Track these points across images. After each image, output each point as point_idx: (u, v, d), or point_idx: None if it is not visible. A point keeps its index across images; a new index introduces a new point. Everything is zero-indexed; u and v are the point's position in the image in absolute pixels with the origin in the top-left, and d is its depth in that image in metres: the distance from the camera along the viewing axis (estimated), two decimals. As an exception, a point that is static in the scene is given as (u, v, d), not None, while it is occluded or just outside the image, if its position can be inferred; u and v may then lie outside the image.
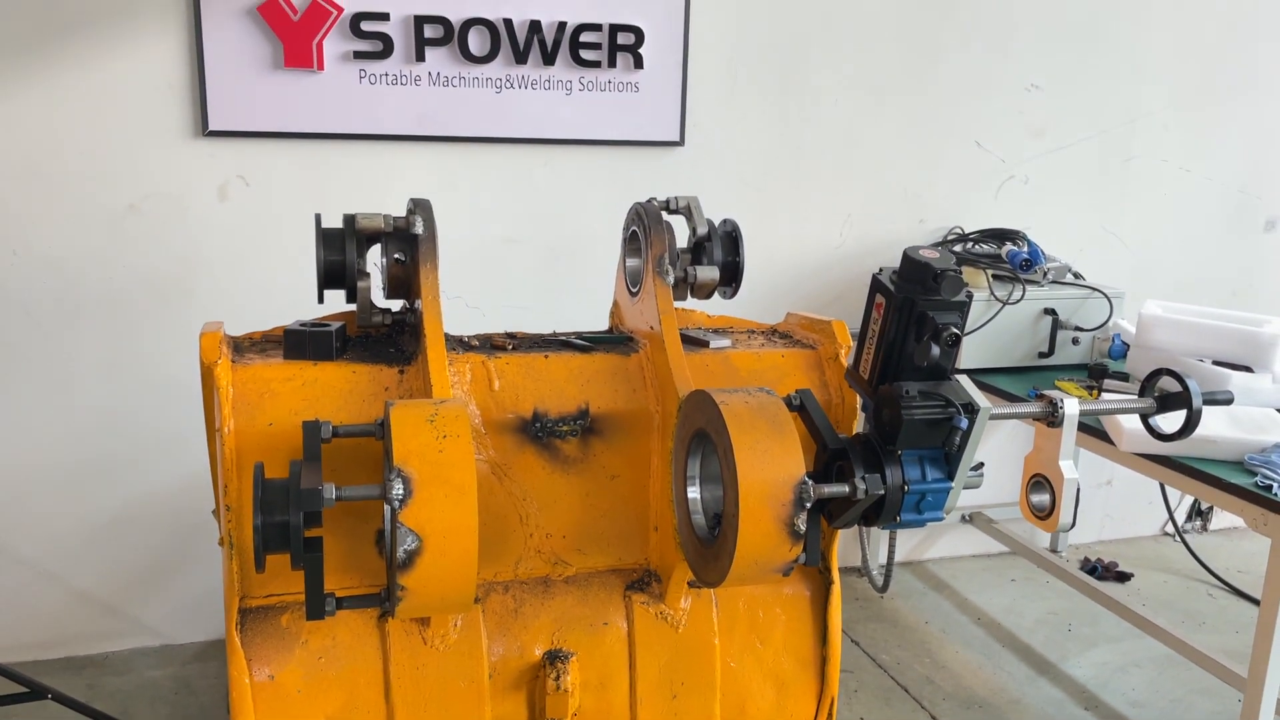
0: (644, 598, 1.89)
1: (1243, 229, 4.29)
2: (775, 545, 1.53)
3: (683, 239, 2.05)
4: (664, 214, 2.03)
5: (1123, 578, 4.06)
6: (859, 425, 2.05)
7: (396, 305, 1.95)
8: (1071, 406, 1.69)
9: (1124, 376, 3.08)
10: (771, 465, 1.52)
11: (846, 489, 1.58)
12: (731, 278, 2.04)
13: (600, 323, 2.23)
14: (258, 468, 1.45)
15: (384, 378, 1.77)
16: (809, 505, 1.53)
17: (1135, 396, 1.79)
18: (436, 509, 1.38)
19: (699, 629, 1.91)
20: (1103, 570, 4.08)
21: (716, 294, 2.07)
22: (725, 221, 2.08)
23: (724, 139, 3.46)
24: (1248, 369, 2.85)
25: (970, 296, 1.66)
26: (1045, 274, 3.33)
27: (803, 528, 1.53)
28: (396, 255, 1.84)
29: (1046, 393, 1.72)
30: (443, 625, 1.74)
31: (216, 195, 3.02)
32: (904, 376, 1.66)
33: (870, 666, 3.30)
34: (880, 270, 1.71)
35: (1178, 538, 4.24)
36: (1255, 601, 3.87)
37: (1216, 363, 2.89)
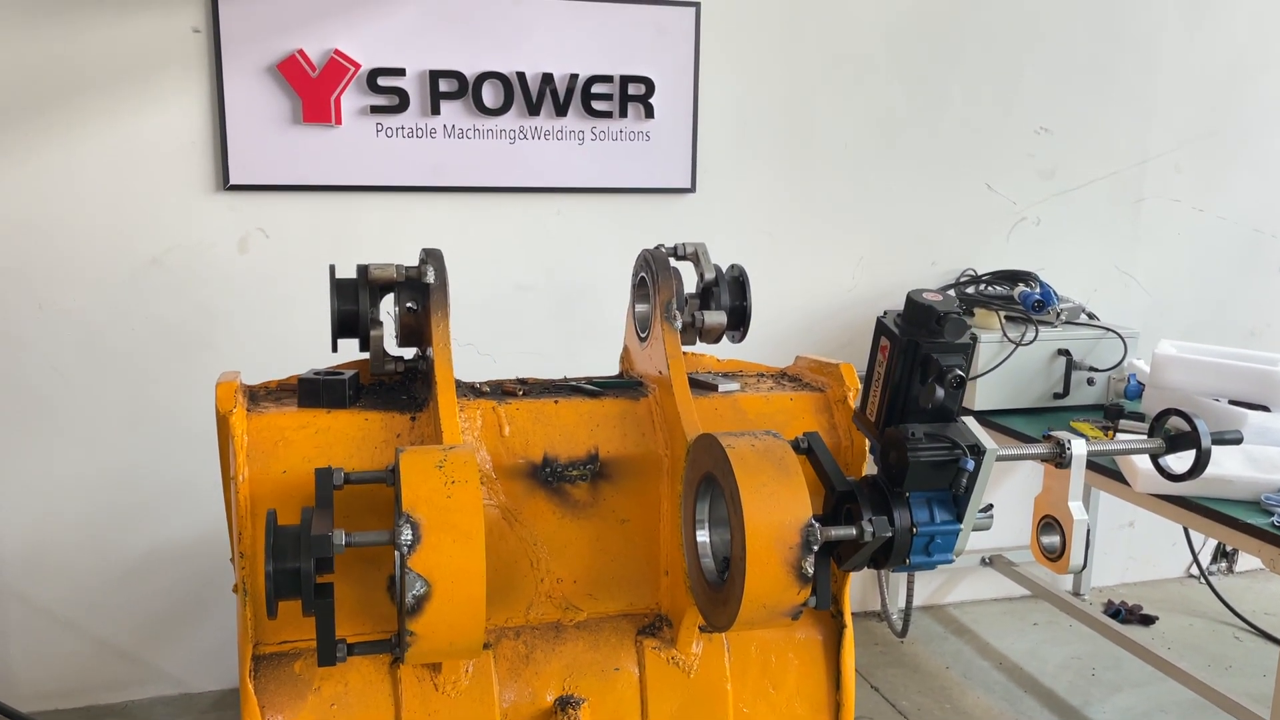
0: (655, 643, 1.88)
1: (1258, 268, 4.28)
2: (783, 589, 1.53)
3: (691, 284, 2.08)
4: (672, 260, 2.06)
5: (1147, 621, 4.00)
6: (868, 468, 2.06)
7: (410, 353, 1.99)
8: (1079, 447, 1.69)
9: (1140, 417, 3.07)
10: (778, 508, 1.53)
11: (854, 531, 1.58)
12: (739, 322, 2.06)
13: (614, 367, 2.25)
14: (270, 514, 1.47)
15: (396, 425, 1.80)
16: (816, 548, 1.54)
17: (1143, 439, 1.78)
18: (444, 554, 1.39)
19: (711, 674, 1.90)
20: (1126, 613, 4.03)
21: (725, 338, 2.10)
22: (733, 266, 2.10)
23: (735, 185, 3.51)
24: (1264, 408, 2.83)
25: (975, 339, 1.68)
26: (1058, 315, 3.33)
27: (810, 570, 1.54)
28: (409, 304, 1.87)
29: (1054, 433, 1.72)
30: (454, 671, 1.75)
31: (237, 247, 3.08)
32: (910, 418, 1.67)
33: (890, 713, 3.26)
34: (885, 314, 1.73)
35: (1203, 580, 4.18)
36: (1283, 644, 3.81)
37: (1233, 402, 2.87)
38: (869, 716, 3.22)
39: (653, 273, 2.00)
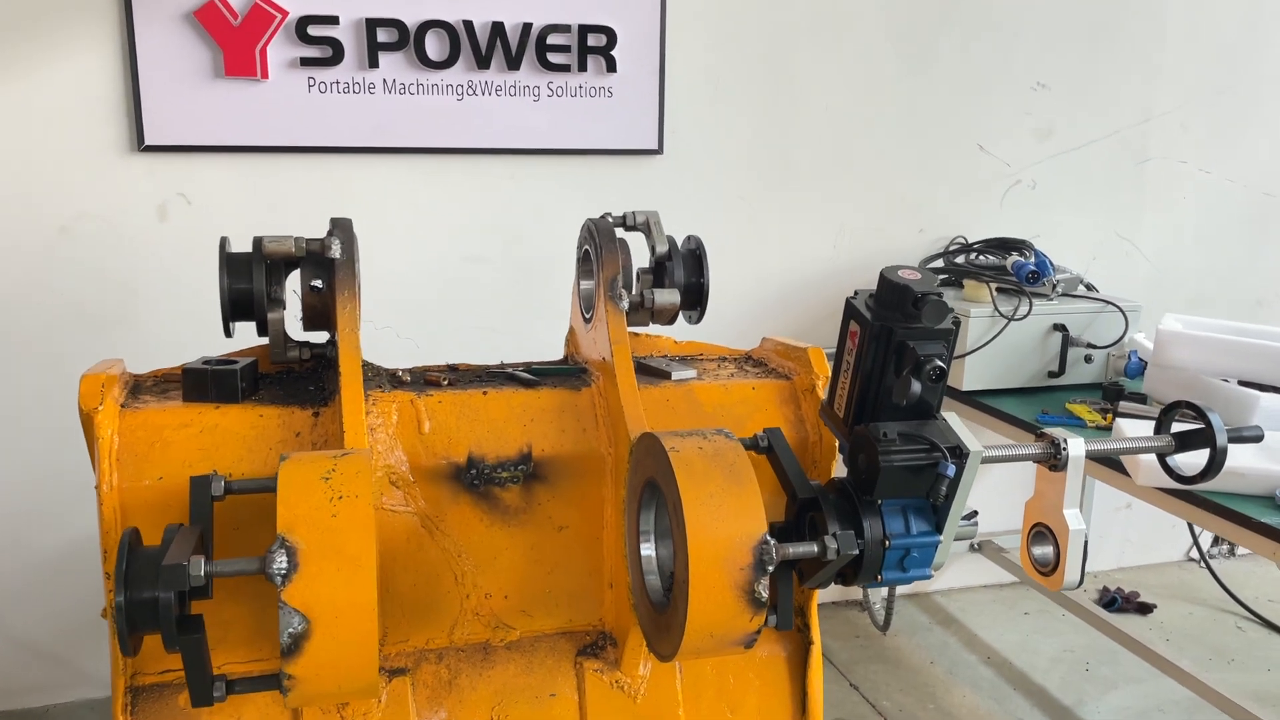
0: (597, 664, 1.70)
1: (1267, 234, 4.09)
2: (733, 615, 1.35)
3: (644, 258, 1.88)
4: (620, 231, 1.86)
5: (1145, 609, 3.85)
6: (839, 467, 1.87)
7: (323, 338, 1.78)
8: (1076, 448, 1.50)
9: (1141, 397, 2.88)
10: (727, 523, 1.34)
11: (815, 549, 1.39)
12: (696, 301, 1.87)
13: (563, 345, 2.05)
14: (127, 535, 1.27)
15: (296, 421, 1.60)
16: (772, 568, 1.35)
17: (1150, 436, 1.60)
18: (326, 585, 1.20)
19: (660, 699, 1.72)
20: (1123, 601, 3.88)
21: (681, 319, 1.90)
22: (689, 238, 1.90)
23: (706, 146, 3.29)
24: (1277, 389, 2.65)
25: (957, 324, 1.48)
26: (1054, 286, 3.14)
27: (764, 594, 1.35)
28: (313, 283, 1.66)
29: (1048, 431, 1.53)
30: (364, 701, 1.56)
31: (156, 215, 2.86)
32: (882, 415, 1.48)
33: (869, 714, 3.10)
34: (855, 294, 1.54)
35: (1203, 564, 4.03)
36: (1288, 635, 3.67)
37: (1243, 383, 2.69)
38: (847, 719, 3.06)
39: (596, 245, 1.80)
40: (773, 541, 1.35)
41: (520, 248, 3.17)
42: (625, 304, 1.75)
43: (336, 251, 1.63)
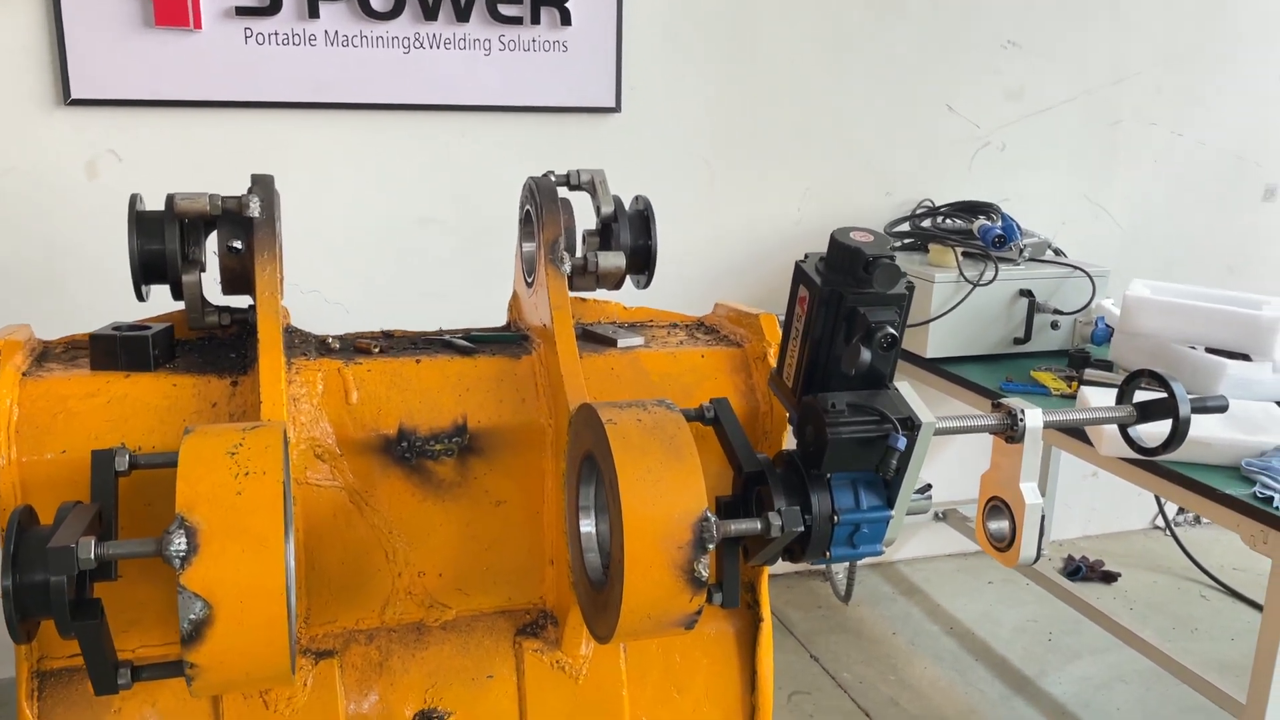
0: (537, 644, 1.65)
1: (1239, 198, 4.07)
2: (671, 596, 1.29)
3: (589, 219, 1.81)
4: (564, 190, 1.78)
5: (1109, 578, 3.85)
6: (788, 441, 1.81)
7: (248, 303, 1.69)
8: (1034, 419, 1.45)
9: (1108, 365, 2.85)
10: (666, 499, 1.28)
11: (759, 525, 1.33)
12: (643, 264, 1.80)
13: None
14: (17, 513, 1.19)
15: (212, 391, 1.52)
16: (712, 546, 1.29)
17: (1111, 406, 1.55)
18: (230, 568, 1.13)
19: (603, 679, 1.67)
20: (1088, 570, 3.88)
21: (629, 283, 1.83)
22: (637, 199, 1.82)
23: (665, 104, 3.20)
24: (1245, 357, 2.62)
25: (911, 289, 1.42)
26: (1021, 251, 3.09)
27: (704, 573, 1.30)
28: (231, 243, 1.57)
29: (1005, 401, 1.48)
30: (289, 684, 1.50)
31: (84, 172, 2.74)
32: (833, 385, 1.42)
33: (830, 687, 3.08)
34: (805, 257, 1.47)
35: (1168, 532, 4.04)
36: (1252, 604, 3.68)
37: (1210, 350, 2.66)
38: (807, 691, 3.04)
39: (537, 205, 1.72)
40: (713, 518, 1.29)
41: (471, 209, 3.07)
42: (567, 267, 1.68)
43: (255, 210, 1.54)
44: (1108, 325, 3.06)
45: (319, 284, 2.90)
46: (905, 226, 3.39)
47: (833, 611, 3.54)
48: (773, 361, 1.75)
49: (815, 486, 1.42)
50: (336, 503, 1.57)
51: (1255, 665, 2.10)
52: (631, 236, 1.77)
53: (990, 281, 2.97)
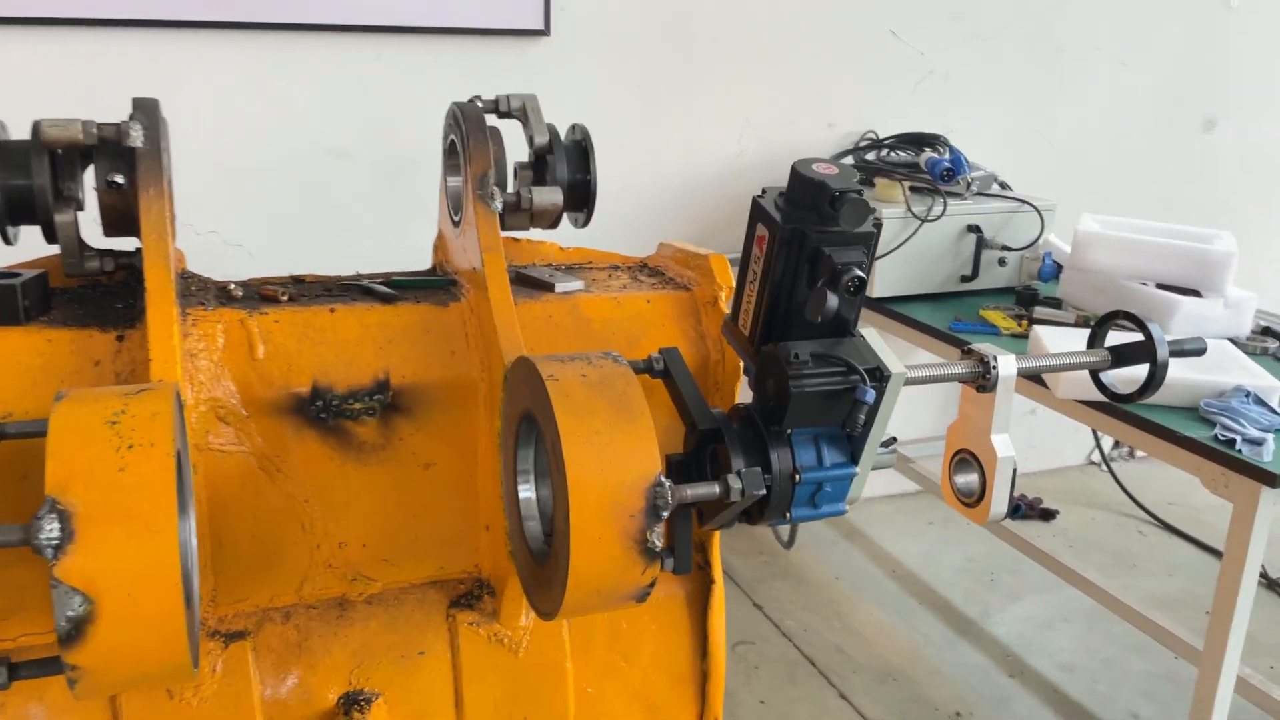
0: (473, 616, 1.54)
1: (1178, 129, 4.05)
2: (623, 569, 1.19)
3: (520, 150, 1.66)
4: (492, 118, 1.63)
5: (1048, 515, 3.88)
6: (744, 390, 1.71)
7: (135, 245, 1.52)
8: (1007, 366, 1.37)
9: (1056, 303, 2.81)
10: (615, 463, 1.17)
11: (717, 489, 1.22)
12: (582, 201, 1.66)
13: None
14: None
15: (95, 347, 1.36)
16: (666, 515, 1.18)
17: (1084, 350, 1.47)
18: (112, 556, 0.99)
19: (545, 651, 1.57)
20: (1026, 508, 3.91)
21: (566, 221, 1.69)
22: (574, 128, 1.68)
23: (598, 27, 3.03)
24: (1195, 293, 2.59)
25: (879, 225, 1.31)
26: (969, 185, 3.01)
27: (658, 543, 1.19)
28: (110, 177, 1.39)
29: (976, 348, 1.39)
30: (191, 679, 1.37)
31: (-53, 99, 2.48)
32: (793, 333, 1.32)
33: (774, 636, 3.04)
34: (763, 191, 1.35)
35: (1105, 468, 4.08)
36: (1188, 538, 3.74)
37: (1161, 286, 2.63)
38: (751, 641, 3.00)
39: (463, 135, 1.57)
40: (668, 483, 1.18)
41: (388, 140, 2.88)
42: (498, 204, 1.53)
43: (138, 139, 1.37)
44: (1055, 262, 3.02)
45: (217, 224, 2.69)
46: (850, 160, 3.29)
47: (774, 557, 3.50)
48: (725, 307, 1.64)
49: (775, 443, 1.32)
50: (245, 470, 1.42)
51: (1214, 610, 2.09)
52: (569, 170, 1.63)
53: (939, 217, 2.89)
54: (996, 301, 2.91)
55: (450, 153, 1.65)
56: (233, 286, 1.54)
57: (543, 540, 1.33)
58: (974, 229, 2.96)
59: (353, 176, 2.86)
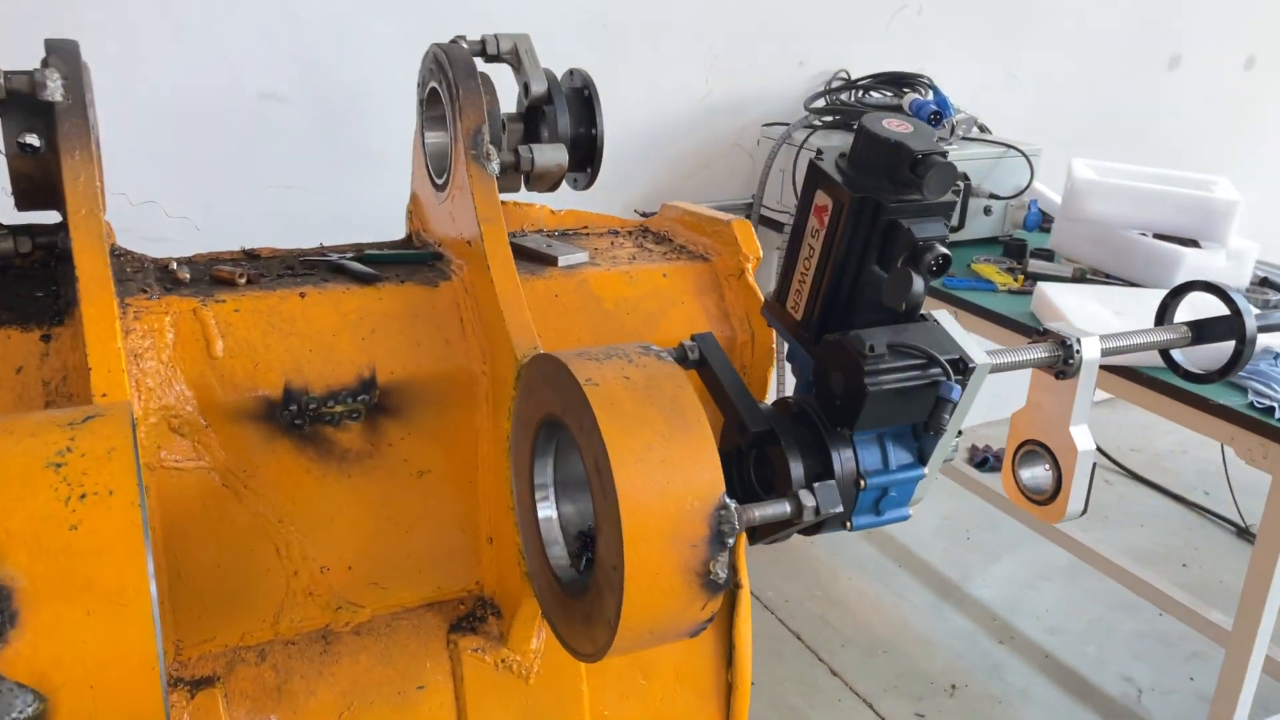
0: (477, 641, 1.36)
1: (1144, 66, 3.96)
2: (682, 605, 1.02)
3: (510, 100, 1.44)
4: (480, 62, 1.40)
5: (1016, 467, 3.82)
6: (774, 378, 1.54)
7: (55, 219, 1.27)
8: (1090, 349, 1.22)
9: (1048, 254, 2.69)
10: (674, 485, 0.99)
11: (787, 509, 1.05)
12: (587, 159, 1.45)
13: (399, 211, 1.59)
14: None
15: (14, 351, 1.12)
16: (732, 542, 1.01)
17: (1163, 327, 1.34)
18: (69, 642, 0.78)
19: (559, 675, 1.40)
20: (994, 460, 3.84)
21: (565, 183, 1.48)
22: (573, 73, 1.47)
23: (556, -47, 2.77)
24: (1194, 243, 2.49)
25: (959, 193, 1.14)
26: (954, 129, 2.86)
27: (723, 574, 1.02)
28: (23, 139, 1.14)
29: (1053, 328, 1.24)
30: (158, 735, 1.16)
31: None
32: (859, 321, 1.14)
33: (756, 608, 2.92)
34: (819, 153, 1.17)
35: (1068, 417, 4.04)
36: (1154, 486, 3.73)
37: (1159, 236, 2.52)
38: (731, 614, 2.87)
39: (451, 84, 1.34)
40: (733, 505, 1.01)
41: (320, 79, 2.59)
42: (495, 166, 1.31)
43: (57, 92, 1.11)
44: (1040, 210, 2.89)
45: (129, 183, 2.38)
46: (822, 102, 3.10)
47: (745, 522, 3.37)
48: (750, 281, 1.46)
49: (835, 442, 1.15)
50: (205, 488, 1.21)
51: (1245, 591, 2.01)
52: (571, 123, 1.42)
53: (927, 164, 2.72)
54: (984, 253, 2.78)
55: (431, 102, 1.42)
56: (176, 266, 1.31)
57: (571, 567, 1.15)
58: (961, 176, 2.81)
59: (287, 123, 2.58)
